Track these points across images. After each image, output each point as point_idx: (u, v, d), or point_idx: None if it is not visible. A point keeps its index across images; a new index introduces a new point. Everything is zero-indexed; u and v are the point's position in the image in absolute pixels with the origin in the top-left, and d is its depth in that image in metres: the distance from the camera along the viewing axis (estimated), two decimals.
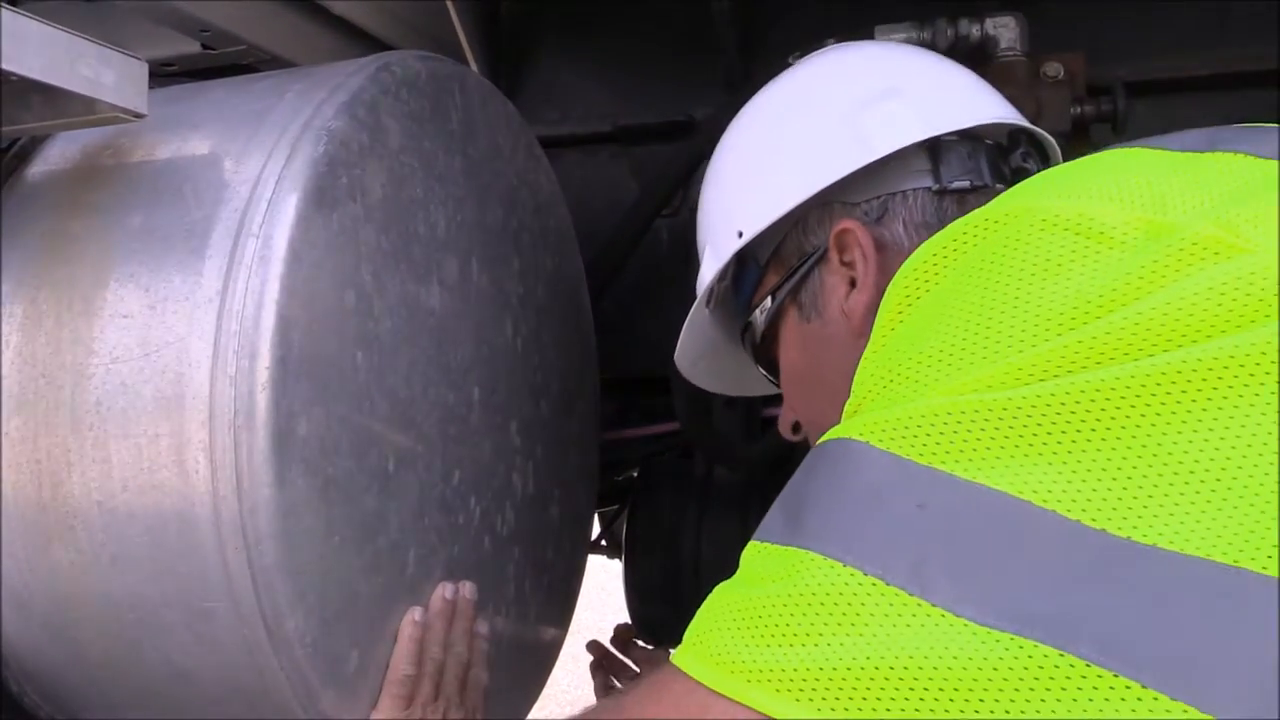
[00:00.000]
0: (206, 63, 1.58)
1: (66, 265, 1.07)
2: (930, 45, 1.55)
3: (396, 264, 1.14)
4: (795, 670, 0.63)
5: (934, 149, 1.02)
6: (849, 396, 0.82)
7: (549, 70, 1.91)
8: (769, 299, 1.08)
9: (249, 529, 0.98)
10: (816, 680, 0.62)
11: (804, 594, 0.65)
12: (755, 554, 0.71)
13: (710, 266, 1.13)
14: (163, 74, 1.61)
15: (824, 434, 1.06)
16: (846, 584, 0.63)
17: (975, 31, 1.54)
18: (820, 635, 0.63)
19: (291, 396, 0.99)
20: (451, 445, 1.23)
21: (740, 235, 1.07)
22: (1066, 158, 1.31)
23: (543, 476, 1.46)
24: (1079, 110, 1.57)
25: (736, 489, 1.82)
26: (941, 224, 0.93)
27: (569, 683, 4.62)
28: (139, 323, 1.02)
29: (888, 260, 0.98)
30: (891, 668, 0.60)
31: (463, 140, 1.30)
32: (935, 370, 0.69)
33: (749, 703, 0.65)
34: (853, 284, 1.00)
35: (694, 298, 1.17)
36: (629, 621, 1.91)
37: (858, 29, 1.56)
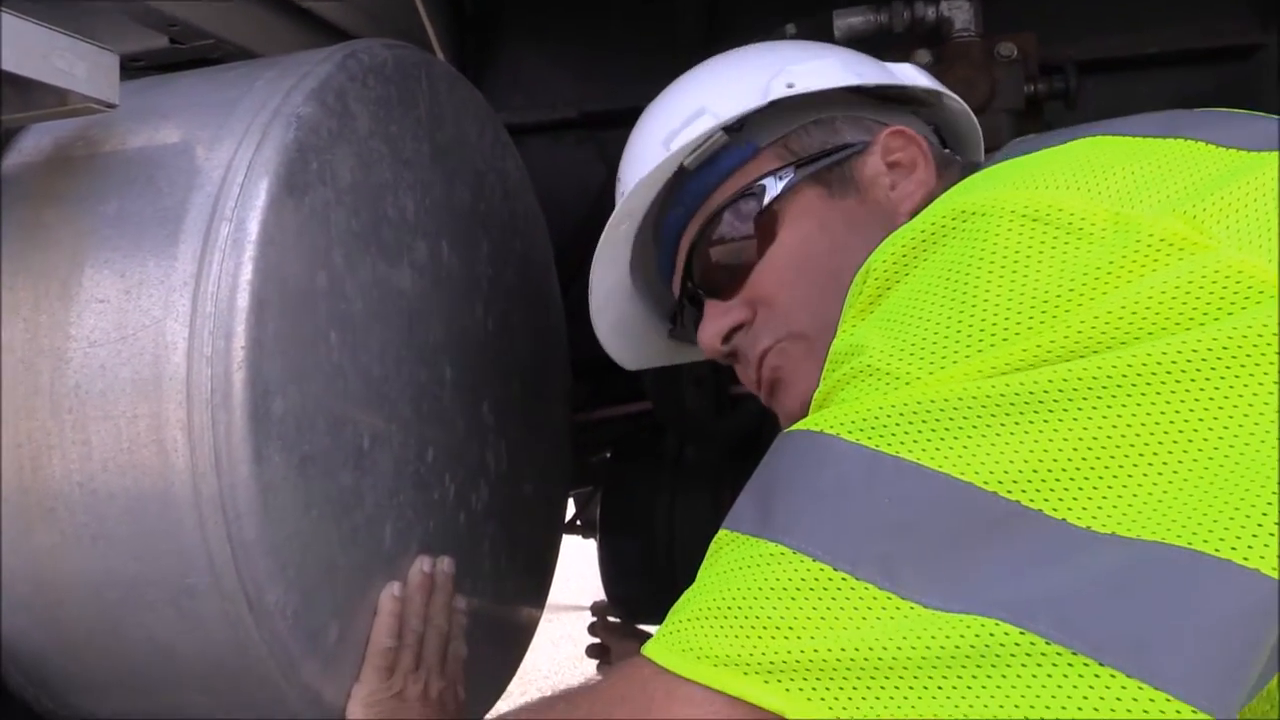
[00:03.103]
0: (174, 57, 1.59)
1: (42, 252, 1.09)
2: (887, 28, 1.58)
3: (367, 246, 1.17)
4: (764, 657, 0.65)
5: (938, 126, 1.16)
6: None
7: (514, 57, 1.94)
8: (791, 170, 1.05)
9: (228, 505, 1.00)
10: (784, 665, 0.64)
11: (775, 588, 0.66)
12: (726, 543, 0.73)
13: (712, 119, 1.06)
14: (131, 68, 1.62)
15: (810, 314, 1.02)
16: (817, 579, 0.65)
17: (931, 14, 1.58)
18: (791, 629, 0.65)
19: (267, 375, 1.02)
20: (425, 423, 1.26)
21: (790, 86, 1.05)
22: (1019, 134, 1.35)
23: (516, 455, 1.49)
24: (1032, 89, 1.61)
25: (708, 467, 1.85)
26: (943, 165, 1.05)
27: (550, 668, 4.67)
28: (115, 307, 1.05)
29: (939, 172, 1.04)
30: (866, 658, 0.62)
31: (430, 126, 1.33)
32: (908, 366, 0.70)
33: (715, 684, 0.66)
34: (892, 187, 1.03)
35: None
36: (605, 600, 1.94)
37: (816, 13, 1.60)
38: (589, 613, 2.03)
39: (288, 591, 1.03)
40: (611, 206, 1.78)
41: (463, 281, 1.37)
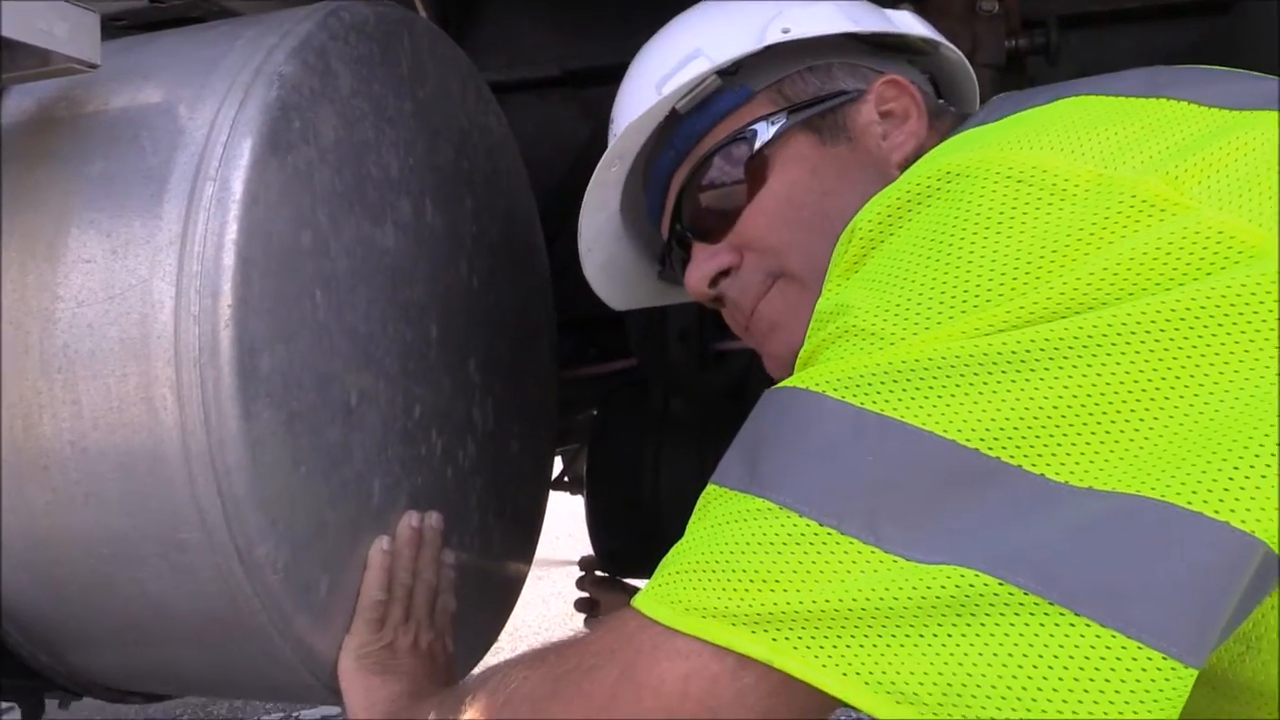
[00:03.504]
0: (155, 16, 1.59)
1: (28, 213, 1.10)
2: None
3: (351, 205, 1.18)
4: (751, 609, 0.67)
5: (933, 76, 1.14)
6: (825, 258, 0.84)
7: (497, 15, 1.93)
8: (783, 115, 1.06)
9: (218, 461, 1.02)
10: (770, 617, 0.66)
11: (762, 543, 0.68)
12: (714, 498, 0.74)
13: (704, 64, 1.07)
14: (112, 28, 1.62)
15: (802, 256, 1.03)
16: (803, 534, 0.67)
17: None
18: (777, 582, 0.66)
19: (254, 333, 1.03)
20: (412, 380, 1.28)
21: (786, 32, 1.05)
22: (1001, 89, 1.36)
23: (502, 412, 1.51)
24: (1014, 43, 1.62)
25: (693, 421, 1.87)
26: (936, 116, 1.05)
27: (540, 624, 4.72)
28: (102, 267, 1.05)
29: (931, 123, 1.04)
30: (850, 609, 0.64)
31: (412, 84, 1.33)
32: (893, 326, 0.71)
33: (703, 635, 0.68)
34: (884, 137, 1.03)
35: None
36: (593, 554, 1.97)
37: None
38: (577, 567, 2.06)
39: (278, 546, 1.05)
40: (597, 161, 1.79)
41: (447, 239, 1.38)
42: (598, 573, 1.83)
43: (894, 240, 0.76)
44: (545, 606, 4.74)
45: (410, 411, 1.27)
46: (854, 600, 0.64)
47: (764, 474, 0.71)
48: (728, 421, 1.79)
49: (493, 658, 1.45)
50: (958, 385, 0.67)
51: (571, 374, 1.89)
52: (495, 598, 1.57)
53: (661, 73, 1.11)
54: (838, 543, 0.66)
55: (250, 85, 1.09)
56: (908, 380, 0.68)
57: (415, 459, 1.28)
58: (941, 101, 1.14)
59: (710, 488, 0.76)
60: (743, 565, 0.68)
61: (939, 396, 0.67)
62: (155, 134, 1.09)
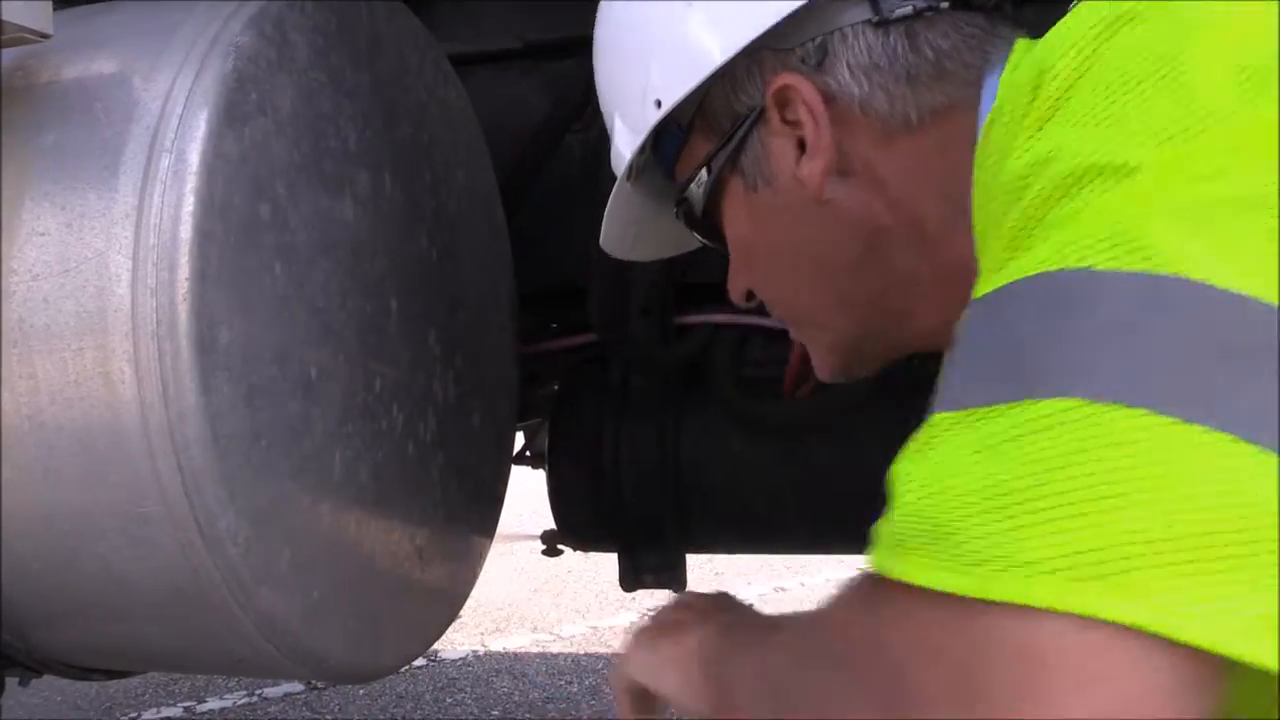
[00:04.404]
0: None
1: None
2: None
3: (309, 178, 1.17)
4: (1100, 550, 0.47)
5: None
6: (845, 261, 0.79)
7: None
8: (704, 171, 0.94)
9: (177, 435, 1.02)
10: (1136, 559, 0.47)
11: (1077, 451, 0.49)
12: (955, 421, 0.56)
13: (626, 142, 0.98)
14: None
15: (792, 306, 0.95)
16: (1134, 427, 0.48)
17: None
18: (1123, 496, 0.48)
19: (212, 306, 1.02)
20: (371, 354, 1.27)
21: (659, 105, 0.93)
22: None
23: (463, 385, 1.51)
24: None
25: (654, 395, 1.88)
26: (892, 63, 0.84)
27: (504, 600, 4.76)
28: (56, 240, 1.05)
29: (841, 113, 0.85)
30: (1225, 519, 0.46)
31: (370, 56, 1.33)
32: (1132, 150, 0.55)
33: (1044, 603, 0.47)
34: (801, 145, 0.87)
35: (613, 178, 1.02)
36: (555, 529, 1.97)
37: None
38: (540, 542, 2.07)
39: (238, 519, 1.05)
40: (557, 137, 1.78)
41: (406, 213, 1.38)
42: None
43: (1098, 68, 0.60)
44: (510, 583, 4.76)
45: (371, 385, 1.27)
46: (1239, 512, 0.46)
47: (1051, 373, 0.52)
48: (688, 395, 1.80)
49: (454, 633, 1.46)
50: (1247, 234, 0.51)
51: (533, 349, 1.89)
52: (458, 570, 1.57)
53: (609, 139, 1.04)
54: (1184, 431, 0.47)
55: (206, 55, 1.08)
56: (1187, 224, 0.52)
57: (376, 433, 1.28)
58: (904, 9, 0.84)
59: (940, 416, 0.57)
60: (1054, 487, 0.49)
61: (1235, 246, 0.51)
62: (109, 105, 1.08)
